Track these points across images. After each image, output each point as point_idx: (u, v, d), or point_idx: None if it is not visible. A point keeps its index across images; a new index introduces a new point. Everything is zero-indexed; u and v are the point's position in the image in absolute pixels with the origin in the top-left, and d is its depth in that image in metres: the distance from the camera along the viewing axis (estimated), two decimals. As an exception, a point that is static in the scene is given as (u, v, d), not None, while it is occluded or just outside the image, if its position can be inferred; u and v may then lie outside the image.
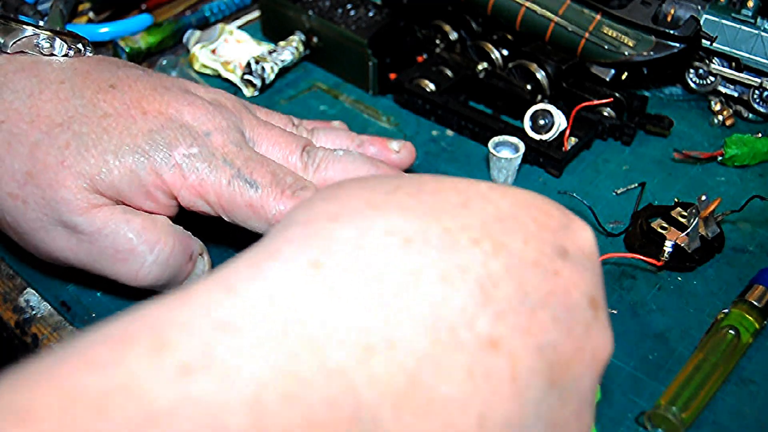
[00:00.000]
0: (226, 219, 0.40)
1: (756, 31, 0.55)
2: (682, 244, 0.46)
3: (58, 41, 0.41)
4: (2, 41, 0.40)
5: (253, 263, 0.24)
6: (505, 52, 0.61)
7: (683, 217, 0.47)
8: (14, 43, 0.40)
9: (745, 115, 0.59)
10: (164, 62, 0.63)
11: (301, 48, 0.63)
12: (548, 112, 0.53)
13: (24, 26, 0.41)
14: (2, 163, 0.38)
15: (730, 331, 0.40)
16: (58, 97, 0.39)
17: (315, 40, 0.63)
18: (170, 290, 0.27)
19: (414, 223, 0.25)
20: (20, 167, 0.37)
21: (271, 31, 0.67)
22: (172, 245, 0.39)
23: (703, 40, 0.55)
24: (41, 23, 0.60)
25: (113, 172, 0.37)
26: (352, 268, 0.24)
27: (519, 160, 0.52)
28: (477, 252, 0.25)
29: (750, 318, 0.41)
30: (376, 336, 0.23)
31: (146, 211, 0.39)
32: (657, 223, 0.47)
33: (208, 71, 0.63)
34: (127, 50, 0.62)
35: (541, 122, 0.54)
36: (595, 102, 0.55)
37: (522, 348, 0.25)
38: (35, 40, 0.41)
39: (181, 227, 0.41)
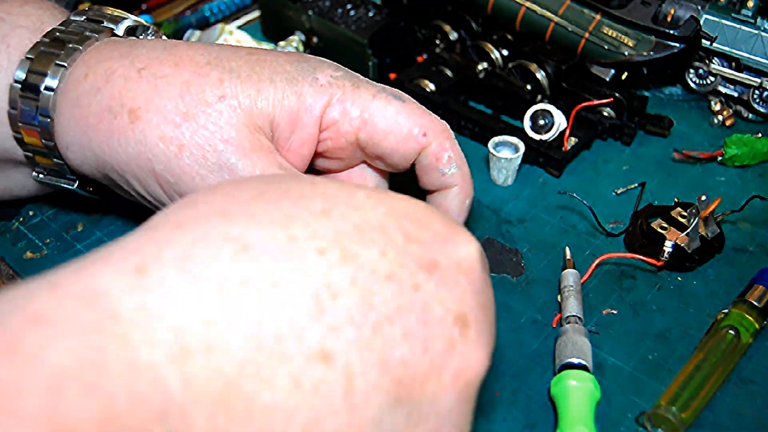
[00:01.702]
0: (362, 141, 0.39)
1: (756, 31, 0.55)
2: (682, 244, 0.46)
3: (150, 29, 0.43)
4: (115, 27, 0.42)
5: (83, 264, 0.24)
6: (505, 52, 0.61)
7: (683, 217, 0.47)
8: (124, 30, 0.42)
9: (745, 115, 0.59)
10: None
11: (301, 48, 0.63)
12: (548, 112, 0.53)
13: (124, 16, 0.43)
14: (151, 106, 0.37)
15: (730, 331, 0.40)
16: (195, 46, 0.40)
17: (315, 40, 0.63)
18: None
19: (256, 231, 0.25)
20: (174, 108, 0.37)
21: (271, 31, 0.67)
22: None
23: (703, 40, 0.55)
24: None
25: (269, 99, 0.38)
26: (176, 273, 0.23)
27: (519, 160, 0.52)
28: (320, 262, 0.25)
29: (750, 318, 0.41)
30: (194, 339, 0.22)
31: (292, 159, 0.40)
32: (657, 223, 0.47)
33: (208, 71, 0.63)
34: (127, 50, 0.62)
35: (541, 122, 0.54)
36: (595, 102, 0.55)
37: (360, 362, 0.24)
38: (135, 28, 0.43)
39: None
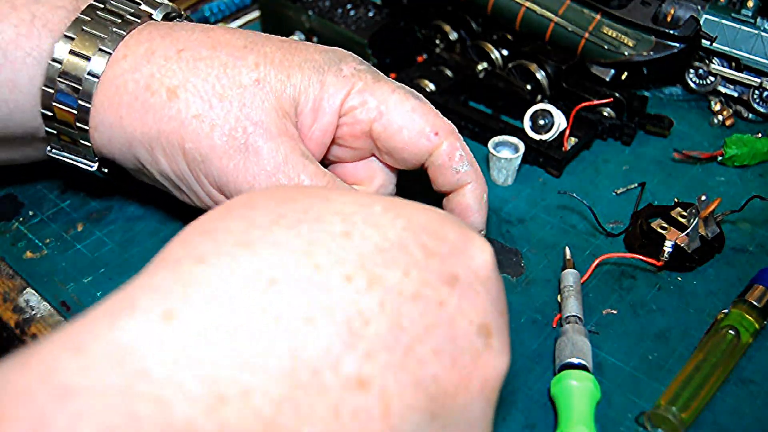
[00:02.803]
0: (376, 132, 0.40)
1: (756, 31, 0.55)
2: (682, 244, 0.46)
3: (183, 15, 0.44)
4: (154, 12, 0.42)
5: (109, 313, 0.23)
6: (505, 52, 0.61)
7: (683, 217, 0.47)
8: (162, 16, 0.43)
9: (745, 115, 0.59)
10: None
11: (301, 48, 0.63)
12: (548, 112, 0.53)
13: (161, 1, 0.43)
14: (189, 85, 0.38)
15: (730, 331, 0.40)
16: (231, 31, 0.41)
17: (315, 40, 0.63)
18: None
19: (282, 262, 0.25)
20: (210, 88, 0.38)
21: (271, 31, 0.66)
22: None
23: (703, 40, 0.55)
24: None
25: (296, 85, 0.39)
26: (205, 316, 0.23)
27: (519, 160, 0.52)
28: (349, 289, 0.25)
29: (750, 318, 0.41)
30: (229, 385, 0.22)
31: (312, 147, 0.40)
32: (657, 223, 0.47)
33: (208, 71, 0.63)
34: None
35: (541, 122, 0.54)
36: (595, 102, 0.55)
37: (395, 385, 0.24)
38: (170, 14, 0.43)
39: (349, 186, 0.41)
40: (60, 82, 0.39)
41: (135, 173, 0.43)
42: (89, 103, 0.39)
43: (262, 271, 0.24)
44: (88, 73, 0.39)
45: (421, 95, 0.42)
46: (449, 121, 0.42)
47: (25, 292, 0.45)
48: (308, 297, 0.24)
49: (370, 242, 0.26)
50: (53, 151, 0.43)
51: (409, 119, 0.40)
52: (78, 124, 0.40)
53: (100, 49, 0.39)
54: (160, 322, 0.23)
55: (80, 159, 0.43)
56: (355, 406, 0.23)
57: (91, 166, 0.43)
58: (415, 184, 0.46)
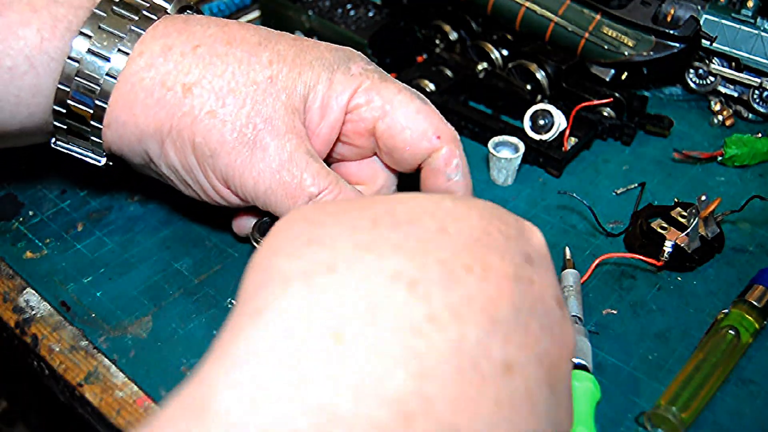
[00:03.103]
0: (379, 130, 0.41)
1: (756, 31, 0.55)
2: (682, 244, 0.46)
3: (194, 8, 0.44)
4: (168, 7, 0.42)
5: (271, 347, 0.23)
6: (505, 52, 0.61)
7: (683, 217, 0.47)
8: (176, 10, 0.43)
9: (745, 115, 0.59)
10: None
11: (301, 48, 0.63)
12: (548, 112, 0.53)
13: None
14: (203, 81, 0.38)
15: (730, 331, 0.40)
16: (245, 27, 0.41)
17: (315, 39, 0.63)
18: None
19: (411, 262, 0.25)
20: (224, 85, 0.38)
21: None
22: (337, 193, 0.39)
23: (703, 40, 0.55)
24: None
25: (306, 83, 0.39)
26: (371, 330, 0.23)
27: (519, 160, 0.52)
28: (473, 279, 0.25)
29: (750, 318, 0.41)
30: (412, 398, 0.22)
31: (318, 145, 0.41)
32: (657, 223, 0.47)
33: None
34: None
35: (541, 122, 0.54)
36: (595, 102, 0.55)
37: (528, 363, 0.25)
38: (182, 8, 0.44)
39: (354, 188, 0.41)
40: (77, 81, 0.39)
41: (140, 168, 0.43)
42: (106, 103, 0.39)
43: (399, 273, 0.25)
44: (107, 74, 0.39)
45: (426, 98, 0.42)
46: (452, 128, 0.42)
47: (25, 292, 0.45)
48: (448, 293, 0.25)
49: (464, 234, 0.27)
50: (58, 143, 0.43)
51: (412, 120, 0.41)
52: (93, 123, 0.40)
53: (119, 50, 0.39)
54: (333, 345, 0.23)
55: (87, 153, 0.42)
56: (509, 391, 0.24)
57: (99, 161, 0.42)
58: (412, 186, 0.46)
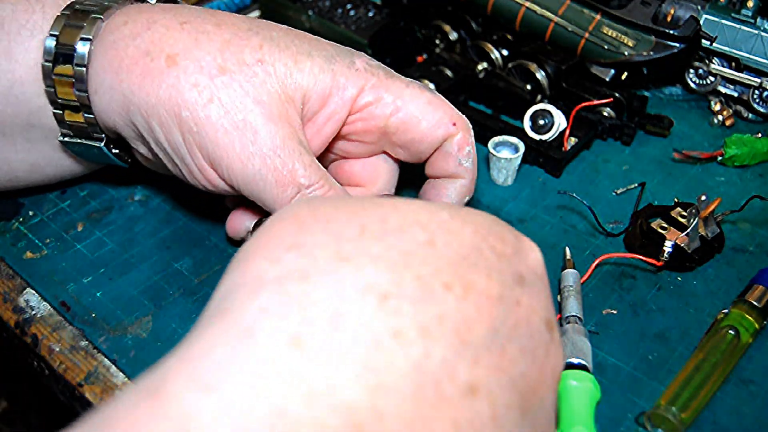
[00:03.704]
0: (393, 126, 0.41)
1: (756, 31, 0.55)
2: (682, 244, 0.46)
3: (182, 2, 0.45)
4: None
5: (228, 342, 0.23)
6: (505, 52, 0.61)
7: (683, 217, 0.47)
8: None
9: (745, 115, 0.59)
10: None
11: (301, 48, 0.63)
12: (548, 112, 0.53)
13: None
14: (189, 55, 0.38)
15: (730, 331, 0.40)
16: (235, 15, 0.41)
17: (315, 40, 0.63)
18: None
19: (387, 276, 0.25)
20: (211, 60, 0.38)
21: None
22: (326, 190, 0.39)
23: (703, 40, 0.55)
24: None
25: (305, 72, 0.39)
26: (331, 339, 0.23)
27: (519, 160, 0.52)
28: (450, 298, 0.25)
29: (750, 318, 0.41)
30: (364, 410, 0.22)
31: (312, 134, 0.40)
32: (657, 223, 0.47)
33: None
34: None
35: (541, 122, 0.54)
36: (595, 102, 0.55)
37: (497, 386, 0.25)
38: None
39: (341, 186, 0.41)
40: (57, 53, 0.39)
41: (135, 144, 0.42)
42: (83, 67, 0.39)
43: (372, 286, 0.24)
44: (81, 38, 0.39)
45: (433, 89, 0.42)
46: (465, 117, 0.42)
47: (25, 292, 0.45)
48: (419, 309, 0.24)
49: (451, 249, 0.27)
50: (65, 138, 0.43)
51: (426, 111, 0.40)
52: (77, 92, 0.40)
53: (92, 17, 0.40)
54: (287, 350, 0.22)
55: (89, 142, 0.43)
56: (470, 413, 0.24)
57: (99, 143, 0.42)
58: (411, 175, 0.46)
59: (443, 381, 0.23)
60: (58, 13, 0.40)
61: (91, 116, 0.41)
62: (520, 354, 0.26)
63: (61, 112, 0.41)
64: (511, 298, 0.26)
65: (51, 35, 0.40)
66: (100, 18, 0.40)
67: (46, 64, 0.40)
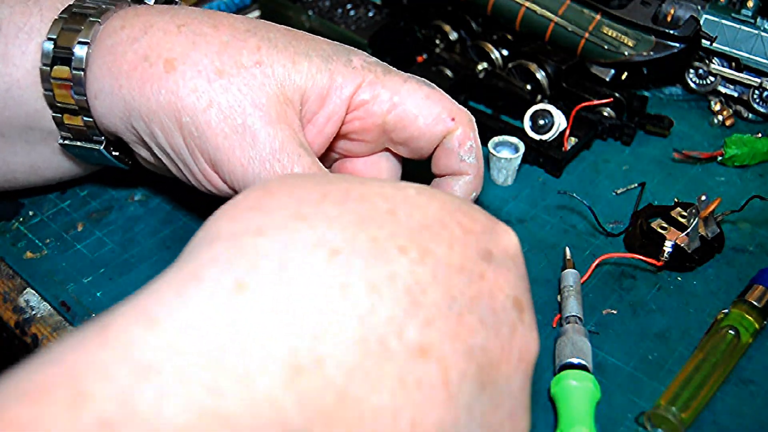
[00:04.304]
0: (391, 123, 0.40)
1: (756, 31, 0.55)
2: (682, 244, 0.46)
3: (179, 3, 0.44)
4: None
5: (176, 286, 0.23)
6: (505, 52, 0.61)
7: (683, 217, 0.47)
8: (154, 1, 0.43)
9: (745, 115, 0.59)
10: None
11: (301, 48, 0.63)
12: (548, 112, 0.53)
13: None
14: (187, 59, 0.38)
15: (730, 331, 0.40)
16: (233, 16, 0.41)
17: (315, 40, 0.63)
18: None
19: (341, 234, 0.25)
20: (209, 63, 0.38)
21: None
22: None
23: (703, 40, 0.55)
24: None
25: (303, 73, 0.38)
26: (277, 286, 0.23)
27: (519, 160, 0.52)
28: (404, 260, 0.25)
29: (750, 318, 0.41)
30: (304, 355, 0.22)
31: (313, 135, 0.40)
32: (657, 223, 0.47)
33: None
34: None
35: (541, 122, 0.54)
36: (595, 102, 0.55)
37: (452, 353, 0.25)
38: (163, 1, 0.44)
39: None
40: (55, 56, 0.39)
41: (136, 147, 0.42)
42: (81, 71, 0.39)
43: (324, 242, 0.25)
44: (78, 42, 0.39)
45: (433, 84, 0.41)
46: (466, 110, 0.41)
47: (25, 292, 0.45)
48: (369, 266, 0.24)
49: (414, 219, 0.27)
50: (65, 141, 0.43)
51: (424, 107, 0.40)
52: (76, 96, 0.40)
53: (90, 21, 0.39)
54: (232, 294, 0.23)
55: (89, 145, 0.43)
56: (418, 374, 0.24)
57: (99, 146, 0.42)
58: (418, 174, 0.46)
59: (389, 337, 0.24)
60: (56, 17, 0.40)
61: (90, 119, 0.41)
62: (480, 326, 0.26)
63: (60, 115, 0.41)
64: (475, 270, 0.27)
65: (49, 39, 0.40)
66: (98, 21, 0.40)
67: (44, 67, 0.40)
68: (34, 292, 0.45)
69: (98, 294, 0.44)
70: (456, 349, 0.25)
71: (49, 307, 0.44)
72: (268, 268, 0.24)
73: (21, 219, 0.50)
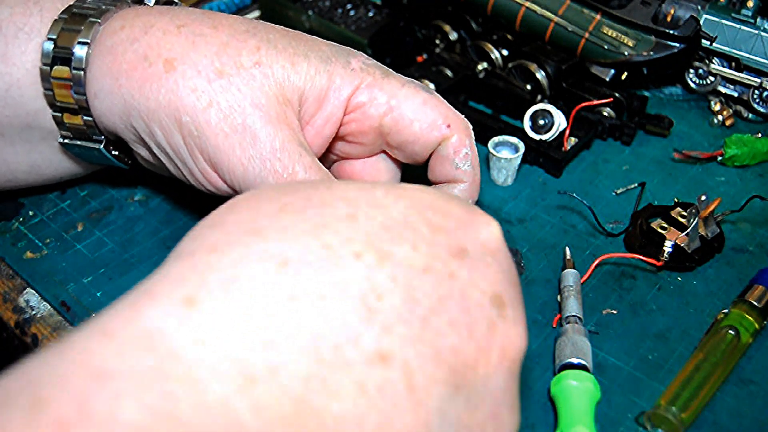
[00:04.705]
0: (387, 126, 0.40)
1: (756, 31, 0.55)
2: (682, 244, 0.46)
3: (179, 4, 0.44)
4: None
5: (130, 303, 0.24)
6: (505, 52, 0.61)
7: (683, 217, 0.47)
8: (154, 1, 0.43)
9: (745, 115, 0.59)
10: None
11: (301, 48, 0.63)
12: (548, 112, 0.53)
13: None
14: (187, 59, 0.38)
15: (730, 331, 0.40)
16: (233, 17, 0.41)
17: (315, 40, 0.63)
18: None
19: (292, 244, 0.25)
20: (209, 64, 0.38)
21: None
22: None
23: (703, 40, 0.55)
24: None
25: (301, 74, 0.38)
26: (226, 300, 0.23)
27: (519, 160, 0.52)
28: (359, 266, 0.25)
29: (750, 318, 0.41)
30: (257, 364, 0.22)
31: (312, 137, 0.40)
32: (657, 223, 0.47)
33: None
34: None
35: (541, 122, 0.54)
36: (595, 102, 0.55)
37: (416, 357, 0.24)
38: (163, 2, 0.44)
39: None
40: (55, 56, 0.40)
41: (135, 146, 0.42)
42: (82, 71, 0.39)
43: (273, 253, 0.25)
44: (78, 42, 0.39)
45: (432, 89, 0.41)
46: (463, 117, 0.41)
47: (25, 292, 0.45)
48: (320, 275, 0.24)
49: (375, 222, 0.26)
50: (65, 140, 0.43)
51: (420, 112, 0.40)
52: (75, 95, 0.40)
53: (90, 21, 0.40)
54: (182, 307, 0.23)
55: (89, 143, 0.43)
56: (379, 380, 0.24)
57: (98, 145, 0.42)
58: (421, 177, 0.46)
59: (344, 345, 0.24)
60: (56, 17, 0.40)
61: (90, 119, 0.41)
62: (449, 327, 0.25)
63: (60, 114, 0.41)
64: (443, 270, 0.26)
65: (49, 39, 0.40)
66: (98, 22, 0.40)
67: (44, 67, 0.40)
68: (34, 292, 0.45)
69: (98, 294, 0.44)
70: (420, 352, 0.24)
71: (49, 307, 0.44)
72: (217, 283, 0.24)
73: (21, 219, 0.50)
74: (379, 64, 0.41)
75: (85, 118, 0.41)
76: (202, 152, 0.38)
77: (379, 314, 0.24)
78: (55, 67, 0.39)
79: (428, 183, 0.44)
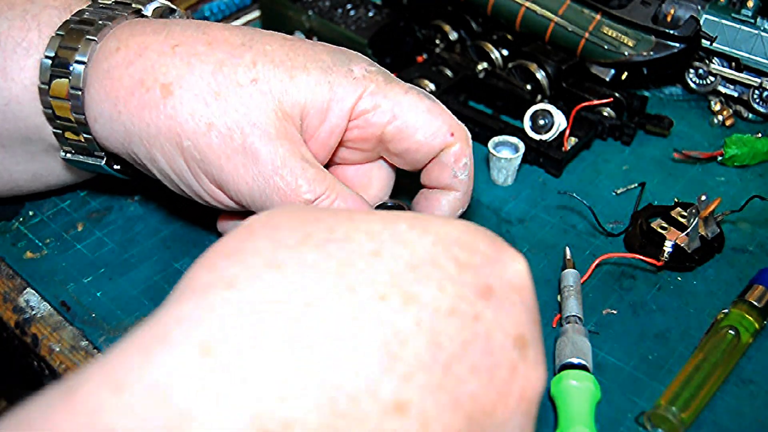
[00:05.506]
0: (389, 135, 0.40)
1: (756, 31, 0.55)
2: (682, 244, 0.46)
3: (178, 12, 0.44)
4: (144, 9, 0.43)
5: (143, 348, 0.23)
6: (505, 52, 0.61)
7: (683, 217, 0.47)
8: (152, 11, 0.43)
9: (745, 115, 0.59)
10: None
11: (301, 48, 0.63)
12: (548, 112, 0.53)
13: None
14: (183, 82, 0.37)
15: (730, 331, 0.40)
16: (229, 28, 0.40)
17: (315, 40, 0.63)
18: None
19: (315, 285, 0.24)
20: (206, 86, 0.37)
21: (271, 31, 0.67)
22: (332, 200, 0.38)
23: (703, 40, 0.55)
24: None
25: (301, 87, 0.38)
26: (244, 348, 0.23)
27: (519, 160, 0.52)
28: (384, 309, 0.24)
29: (750, 318, 0.41)
30: (270, 418, 0.22)
31: (316, 149, 0.40)
32: (657, 223, 0.47)
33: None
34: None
35: (541, 122, 0.54)
36: (595, 102, 0.55)
37: (434, 406, 0.24)
38: (163, 11, 0.43)
39: (354, 191, 0.40)
40: (52, 75, 0.39)
41: (140, 168, 0.42)
42: (80, 91, 0.39)
43: (296, 294, 0.24)
44: (76, 61, 0.39)
45: (433, 96, 0.41)
46: (464, 127, 0.41)
47: (25, 292, 0.45)
48: (344, 320, 0.24)
49: (400, 260, 0.26)
50: (67, 155, 0.43)
51: (424, 120, 0.40)
52: (75, 115, 0.40)
53: (87, 39, 0.39)
54: (198, 357, 0.22)
55: (91, 159, 0.42)
56: (394, 431, 0.23)
57: (100, 161, 0.42)
58: (411, 184, 0.46)
59: (361, 396, 0.23)
60: (53, 33, 0.40)
61: (90, 136, 0.41)
62: (471, 373, 0.25)
63: (60, 131, 0.41)
64: (468, 312, 0.25)
65: (47, 57, 0.40)
66: (94, 40, 0.39)
67: (43, 85, 0.40)
68: (34, 292, 0.45)
69: (98, 294, 0.44)
70: (439, 401, 0.24)
71: (49, 307, 0.44)
72: (235, 328, 0.23)
73: (21, 219, 0.50)
74: (382, 69, 0.41)
75: (85, 135, 0.41)
76: (206, 174, 0.38)
77: (401, 362, 0.24)
78: (53, 84, 0.39)
79: (419, 188, 0.43)
